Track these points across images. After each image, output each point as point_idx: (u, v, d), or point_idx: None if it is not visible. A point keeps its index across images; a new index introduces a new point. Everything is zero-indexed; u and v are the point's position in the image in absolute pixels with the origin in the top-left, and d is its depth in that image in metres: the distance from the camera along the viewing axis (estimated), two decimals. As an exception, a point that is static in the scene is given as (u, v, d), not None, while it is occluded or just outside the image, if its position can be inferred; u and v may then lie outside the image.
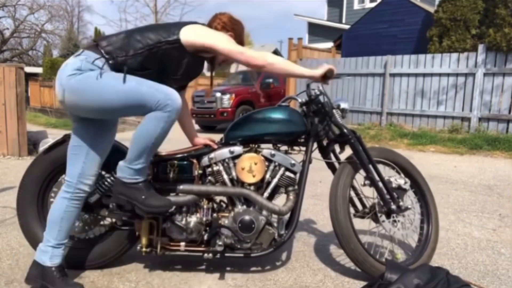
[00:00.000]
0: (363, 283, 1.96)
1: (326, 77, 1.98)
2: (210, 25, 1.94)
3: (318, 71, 1.92)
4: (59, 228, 1.82)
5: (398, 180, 2.11)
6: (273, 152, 2.04)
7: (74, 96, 1.67)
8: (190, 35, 1.77)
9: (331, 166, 2.28)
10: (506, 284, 2.04)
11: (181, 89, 1.99)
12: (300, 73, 1.89)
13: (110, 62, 1.71)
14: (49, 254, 1.81)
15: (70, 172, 1.82)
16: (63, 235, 1.84)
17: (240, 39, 1.93)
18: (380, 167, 2.13)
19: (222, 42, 1.77)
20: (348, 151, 2.15)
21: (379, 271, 1.95)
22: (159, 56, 1.76)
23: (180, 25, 1.81)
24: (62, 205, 1.82)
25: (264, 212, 1.99)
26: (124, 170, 1.78)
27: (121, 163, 1.80)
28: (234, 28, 1.93)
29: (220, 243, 1.97)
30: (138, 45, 1.73)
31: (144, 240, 1.97)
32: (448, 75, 7.55)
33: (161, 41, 1.75)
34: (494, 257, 2.37)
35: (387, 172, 2.16)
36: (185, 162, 2.04)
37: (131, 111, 1.74)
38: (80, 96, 1.67)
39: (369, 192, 2.20)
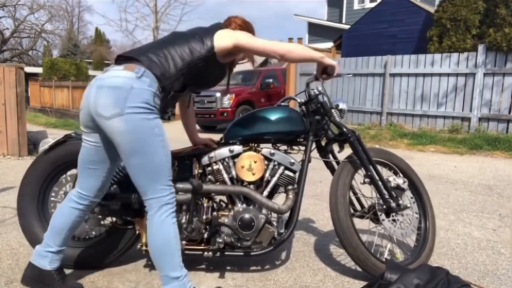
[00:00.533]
0: (363, 283, 1.96)
1: (327, 74, 1.98)
2: (226, 27, 1.95)
3: (327, 59, 1.96)
4: (64, 236, 1.80)
5: (396, 179, 2.12)
6: (272, 151, 2.04)
7: (126, 128, 1.56)
8: (221, 41, 1.76)
9: (329, 165, 2.28)
10: (506, 284, 2.04)
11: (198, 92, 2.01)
12: (313, 56, 1.91)
13: (161, 88, 1.65)
14: (49, 259, 1.79)
15: (87, 186, 1.77)
16: (66, 242, 1.83)
17: None
18: (378, 167, 2.14)
19: (246, 38, 1.79)
20: (346, 152, 2.15)
21: (380, 270, 1.95)
22: (198, 71, 1.75)
23: (209, 33, 1.79)
24: (71, 215, 1.79)
25: (264, 211, 2.00)
26: (180, 286, 1.65)
27: (168, 285, 1.65)
28: (248, 29, 1.95)
29: (220, 241, 1.97)
30: (178, 62, 1.70)
31: (144, 239, 1.97)
32: (448, 75, 7.55)
33: (199, 56, 1.73)
34: (494, 257, 2.37)
35: (384, 172, 2.16)
36: (185, 161, 2.04)
37: (144, 173, 1.62)
38: (131, 134, 1.56)
39: (367, 193, 2.20)
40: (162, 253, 1.64)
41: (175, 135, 2.46)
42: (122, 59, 1.73)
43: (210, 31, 1.81)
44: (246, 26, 1.94)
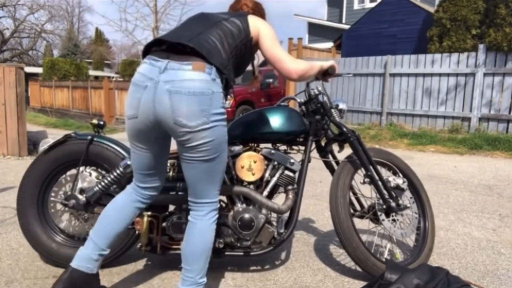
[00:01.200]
0: (363, 283, 1.96)
1: (327, 73, 1.99)
2: (233, 8, 1.88)
3: (326, 63, 1.95)
4: (119, 236, 1.73)
5: (396, 179, 2.13)
6: (272, 151, 2.04)
7: (211, 138, 1.48)
8: (255, 24, 1.68)
9: (329, 165, 2.29)
10: (506, 284, 2.04)
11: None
12: (317, 69, 1.89)
13: (224, 81, 1.56)
14: (99, 262, 1.68)
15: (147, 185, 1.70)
16: (116, 243, 1.76)
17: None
18: (377, 167, 2.14)
19: (271, 36, 1.71)
20: (346, 152, 2.15)
21: (380, 270, 1.95)
22: (239, 57, 1.66)
23: (242, 17, 1.70)
24: (130, 212, 1.70)
25: (264, 211, 2.00)
26: (191, 284, 1.63)
27: (181, 287, 1.63)
28: (260, 12, 1.86)
29: (220, 241, 1.97)
30: (226, 48, 1.58)
31: (144, 239, 1.97)
32: (448, 75, 7.55)
33: (240, 40, 1.63)
34: (494, 257, 2.37)
35: (383, 172, 2.17)
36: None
37: (208, 178, 1.57)
38: (213, 143, 1.50)
39: (366, 193, 2.20)
40: (199, 256, 1.61)
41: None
42: (172, 48, 1.52)
43: (242, 15, 1.71)
44: (257, 9, 1.87)
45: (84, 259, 1.64)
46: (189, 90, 1.43)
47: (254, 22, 1.70)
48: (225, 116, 1.53)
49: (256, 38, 1.71)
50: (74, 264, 1.62)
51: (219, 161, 1.56)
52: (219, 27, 1.62)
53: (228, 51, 1.58)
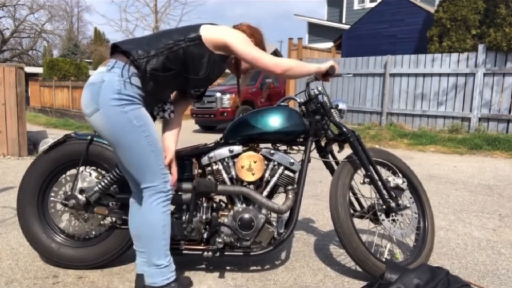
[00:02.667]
0: (363, 283, 1.96)
1: (328, 74, 1.98)
2: None
3: (324, 65, 1.95)
4: (165, 241, 1.75)
5: (396, 179, 2.12)
6: (272, 151, 2.04)
7: (105, 123, 1.63)
8: (211, 31, 1.74)
9: (328, 165, 2.28)
10: (506, 284, 2.04)
11: (200, 97, 1.95)
12: (310, 71, 1.90)
13: (135, 64, 1.63)
14: (165, 274, 1.75)
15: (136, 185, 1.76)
16: (169, 246, 1.77)
17: (261, 47, 1.87)
18: (377, 167, 2.14)
19: (240, 41, 1.73)
20: (346, 152, 2.15)
21: (380, 270, 1.95)
22: (181, 55, 1.70)
23: (195, 26, 1.78)
24: (157, 213, 1.72)
25: (264, 211, 2.00)
26: (155, 275, 1.72)
27: (145, 268, 1.74)
28: (253, 35, 1.89)
29: (220, 241, 1.97)
30: (159, 45, 1.68)
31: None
32: (448, 75, 7.55)
33: (182, 39, 1.70)
34: (494, 257, 2.37)
35: (383, 172, 2.17)
36: (184, 161, 2.04)
37: (131, 164, 1.69)
38: (111, 128, 1.63)
39: (366, 193, 2.20)
40: (147, 240, 1.71)
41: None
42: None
43: (201, 24, 1.78)
44: (250, 31, 1.89)
45: (140, 264, 1.82)
46: (88, 82, 1.68)
47: (214, 27, 1.77)
48: (121, 102, 1.60)
49: (215, 42, 1.74)
50: (138, 270, 1.83)
51: (133, 147, 1.64)
52: (161, 34, 1.77)
53: (159, 46, 1.68)
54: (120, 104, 1.60)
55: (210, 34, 1.73)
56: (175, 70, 1.71)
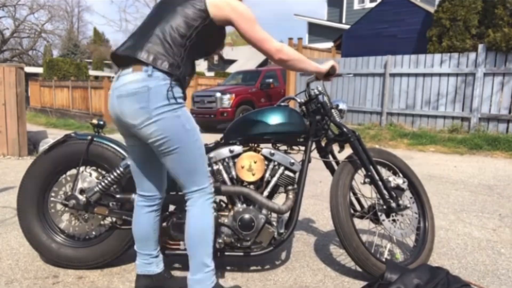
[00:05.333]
0: (363, 283, 1.96)
1: (328, 74, 1.98)
2: None
3: (324, 67, 1.93)
4: (154, 239, 1.84)
5: (396, 180, 2.12)
6: (272, 151, 2.04)
7: (160, 131, 1.54)
8: (216, 5, 1.61)
9: (329, 165, 2.28)
10: (506, 284, 2.04)
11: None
12: (309, 68, 1.86)
13: (174, 79, 1.56)
14: (155, 263, 1.85)
15: (146, 187, 1.78)
16: (158, 242, 1.87)
17: None
18: (377, 167, 2.14)
19: (246, 19, 1.64)
20: (346, 152, 2.15)
21: (380, 270, 1.95)
22: (196, 44, 1.62)
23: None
24: (149, 219, 1.81)
25: (264, 211, 2.00)
26: (202, 280, 1.69)
27: (191, 277, 1.69)
28: None
29: (220, 241, 1.97)
30: (180, 45, 1.58)
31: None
32: (448, 75, 7.54)
33: (195, 28, 1.59)
34: (494, 257, 2.37)
35: (383, 173, 2.17)
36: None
37: (182, 170, 1.63)
38: (165, 136, 1.55)
39: (366, 193, 2.20)
40: (200, 241, 1.68)
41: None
42: (122, 58, 1.62)
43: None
44: None
45: (141, 265, 1.85)
46: (127, 92, 1.54)
47: (217, 2, 1.62)
48: (173, 107, 1.55)
49: (222, 18, 1.63)
50: (138, 271, 1.85)
51: (185, 152, 1.60)
52: (169, 18, 1.60)
53: (181, 44, 1.59)
54: (172, 109, 1.54)
55: (215, 10, 1.61)
56: (197, 58, 1.72)
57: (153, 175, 1.77)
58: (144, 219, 1.81)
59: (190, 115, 1.63)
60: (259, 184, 2.05)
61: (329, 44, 14.14)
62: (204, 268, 1.68)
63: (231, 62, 27.64)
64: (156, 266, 1.86)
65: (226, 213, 2.02)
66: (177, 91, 1.57)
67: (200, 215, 1.67)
